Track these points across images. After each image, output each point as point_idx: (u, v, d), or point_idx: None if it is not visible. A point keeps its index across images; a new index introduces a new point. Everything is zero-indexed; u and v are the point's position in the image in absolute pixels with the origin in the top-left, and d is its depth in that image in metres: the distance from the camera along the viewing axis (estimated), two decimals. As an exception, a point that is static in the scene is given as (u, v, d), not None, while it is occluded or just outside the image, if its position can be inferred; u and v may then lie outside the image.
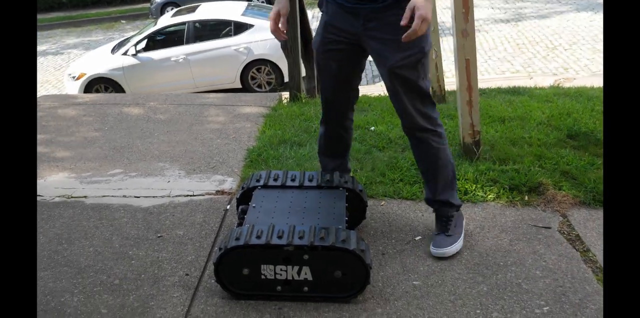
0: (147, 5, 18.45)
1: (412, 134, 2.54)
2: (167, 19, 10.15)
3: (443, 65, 4.64)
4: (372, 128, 4.02)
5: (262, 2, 16.79)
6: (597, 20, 11.71)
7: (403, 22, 2.27)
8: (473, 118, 3.34)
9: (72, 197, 3.21)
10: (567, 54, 9.83)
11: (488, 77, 9.00)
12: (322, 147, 2.87)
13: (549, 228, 2.79)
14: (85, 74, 9.55)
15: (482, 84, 6.85)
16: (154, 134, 4.22)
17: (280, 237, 2.18)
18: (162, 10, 17.01)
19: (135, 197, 3.19)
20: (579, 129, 3.86)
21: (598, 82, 6.55)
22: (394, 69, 2.37)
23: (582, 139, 3.72)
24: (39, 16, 19.62)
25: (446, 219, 2.64)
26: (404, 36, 2.18)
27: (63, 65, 13.24)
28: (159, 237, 2.75)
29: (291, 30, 4.78)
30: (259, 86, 9.42)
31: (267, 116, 4.48)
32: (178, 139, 4.08)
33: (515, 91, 4.94)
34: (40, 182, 3.41)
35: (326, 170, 2.89)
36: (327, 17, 2.50)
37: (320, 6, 2.57)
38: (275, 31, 2.52)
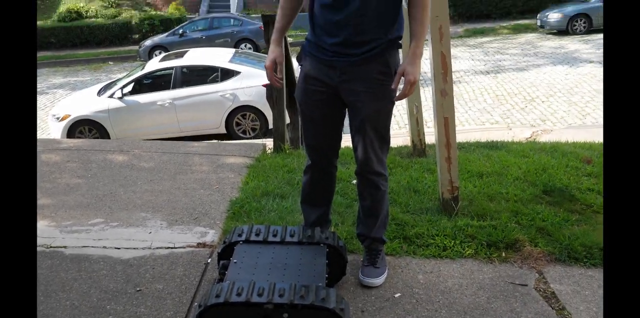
0: (136, 47, 18.68)
1: (366, 176, 2.73)
2: (155, 64, 10.28)
3: (425, 115, 4.74)
4: (354, 181, 4.07)
5: (250, 48, 17.09)
6: (572, 74, 12.06)
7: (393, 86, 2.51)
8: (452, 174, 3.41)
9: (51, 247, 3.21)
10: (545, 106, 10.06)
11: (468, 127, 9.17)
12: (305, 195, 2.95)
13: (526, 285, 2.84)
14: (69, 115, 9.56)
15: (462, 136, 6.98)
16: (137, 182, 4.24)
17: (260, 295, 2.20)
18: (150, 53, 17.25)
19: (116, 248, 3.20)
20: (554, 185, 3.96)
21: (573, 134, 6.71)
22: (367, 119, 2.56)
23: (557, 195, 3.81)
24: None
25: (375, 253, 2.86)
26: (397, 96, 2.49)
27: (48, 105, 13.27)
28: (138, 291, 2.75)
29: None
30: (244, 132, 9.50)
31: (251, 167, 4.54)
32: (161, 188, 4.11)
33: (493, 145, 5.06)
34: (20, 231, 3.41)
35: (308, 220, 2.95)
36: (306, 69, 2.65)
37: (299, 60, 2.72)
38: (272, 79, 2.68)
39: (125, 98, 9.53)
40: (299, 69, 2.78)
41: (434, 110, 3.35)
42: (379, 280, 2.80)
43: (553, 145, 5.13)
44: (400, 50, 2.63)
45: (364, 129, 2.60)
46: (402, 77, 2.51)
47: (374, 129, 2.60)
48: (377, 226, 2.83)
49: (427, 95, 9.50)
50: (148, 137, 9.40)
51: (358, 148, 2.67)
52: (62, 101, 10.91)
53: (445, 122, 3.29)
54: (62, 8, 21.72)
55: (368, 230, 2.84)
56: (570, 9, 17.27)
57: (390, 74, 2.54)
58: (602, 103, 9.84)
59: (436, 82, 3.25)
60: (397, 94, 2.55)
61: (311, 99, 2.66)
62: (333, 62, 2.54)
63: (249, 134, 9.49)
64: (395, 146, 5.08)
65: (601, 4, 16.94)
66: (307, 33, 2.70)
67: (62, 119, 9.51)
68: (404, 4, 2.58)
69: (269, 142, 5.50)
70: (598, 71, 12.07)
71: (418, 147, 4.62)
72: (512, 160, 4.50)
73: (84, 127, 9.56)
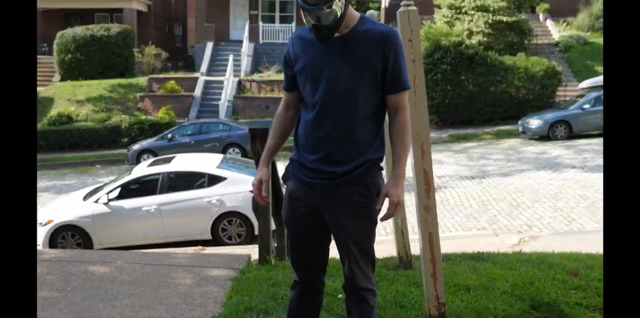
0: (124, 151, 18.91)
1: (354, 292, 2.71)
2: (143, 169, 10.37)
3: (410, 220, 4.76)
4: (340, 296, 4.01)
5: (238, 153, 17.38)
6: (555, 179, 12.27)
7: (377, 207, 2.59)
8: (438, 290, 3.38)
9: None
10: (530, 211, 10.15)
11: (455, 234, 9.18)
12: (291, 311, 2.90)
13: None
14: (52, 220, 9.49)
15: (449, 242, 6.98)
16: (117, 296, 4.15)
17: None
18: (138, 157, 17.44)
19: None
20: (542, 299, 3.91)
21: (561, 241, 6.74)
22: (350, 238, 2.61)
23: (545, 310, 3.75)
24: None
25: None
26: (381, 217, 2.57)
27: (32, 210, 13.18)
28: None
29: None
30: (230, 238, 9.44)
31: (235, 280, 4.47)
32: (142, 302, 4.02)
33: (479, 257, 5.05)
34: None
35: None
36: (290, 189, 2.74)
37: (284, 180, 2.81)
38: (258, 196, 2.74)
39: (111, 203, 9.52)
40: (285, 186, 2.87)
41: (419, 226, 3.38)
42: None
43: (539, 256, 5.13)
44: (383, 172, 2.71)
45: (348, 247, 2.64)
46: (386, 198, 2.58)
47: (358, 247, 2.64)
48: None
49: (412, 200, 9.59)
50: (132, 243, 9.30)
51: (344, 264, 2.70)
52: (46, 206, 10.87)
53: (430, 237, 3.31)
54: (53, 112, 22.17)
55: None
56: (550, 115, 17.90)
57: (370, 195, 2.61)
58: (586, 208, 9.95)
59: (419, 198, 3.30)
60: (382, 215, 2.60)
61: (296, 217, 2.72)
62: (314, 183, 2.62)
63: (235, 240, 9.42)
64: (381, 257, 5.05)
65: (580, 111, 17.58)
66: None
67: (45, 224, 9.42)
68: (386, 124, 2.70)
69: (255, 250, 5.44)
70: (581, 176, 12.30)
71: (404, 259, 4.61)
72: (499, 272, 4.47)
73: (66, 233, 9.45)
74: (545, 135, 17.58)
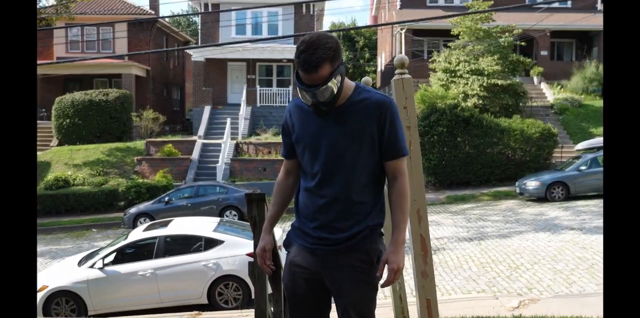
0: (121, 214, 18.85)
1: None
2: (139, 233, 10.33)
3: (409, 282, 4.71)
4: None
5: (235, 216, 17.32)
6: (554, 240, 12.22)
7: (377, 274, 2.60)
8: (437, 358, 3.32)
9: None
10: (530, 273, 10.05)
11: (455, 296, 9.06)
12: None
13: None
14: (47, 286, 9.38)
15: (448, 306, 6.88)
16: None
17: None
18: (135, 220, 17.38)
19: None
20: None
21: (561, 304, 6.64)
22: (351, 305, 2.60)
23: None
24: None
25: None
26: (381, 284, 2.58)
27: (26, 275, 13.02)
28: None
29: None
30: (226, 302, 9.29)
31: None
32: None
33: (479, 322, 4.98)
34: None
35: None
36: (292, 256, 2.74)
37: (286, 246, 2.81)
38: (263, 265, 2.79)
39: (106, 268, 9.43)
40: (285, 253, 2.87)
41: (416, 292, 3.36)
42: None
43: (540, 321, 5.07)
44: (383, 237, 2.74)
45: (349, 315, 2.63)
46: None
47: (359, 315, 2.63)
48: None
49: (411, 263, 9.50)
50: (127, 308, 9.16)
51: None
52: (41, 271, 10.76)
53: (428, 304, 3.28)
54: (50, 176, 22.24)
55: None
56: (547, 177, 17.99)
57: (371, 261, 2.63)
58: (586, 270, 9.87)
59: (416, 264, 3.29)
60: (382, 282, 2.62)
61: (297, 284, 2.72)
62: (315, 250, 2.64)
63: (232, 304, 9.27)
64: (380, 322, 4.97)
65: (577, 172, 17.68)
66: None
67: (40, 290, 9.30)
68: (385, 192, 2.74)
69: (251, 314, 5.35)
70: (579, 238, 12.26)
71: (403, 325, 4.54)
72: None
73: (60, 299, 9.32)
74: (543, 197, 17.63)
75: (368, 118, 2.60)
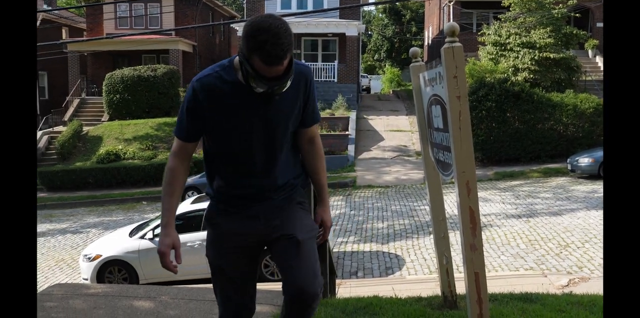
0: (170, 188, 19.18)
1: (303, 301, 2.49)
2: (187, 206, 10.51)
3: (456, 259, 4.67)
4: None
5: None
6: (607, 218, 11.93)
7: (320, 239, 2.74)
8: (485, 331, 3.29)
9: None
10: (580, 252, 9.86)
11: (502, 273, 8.97)
12: None
13: None
14: (100, 255, 9.69)
15: (495, 282, 6.81)
16: (161, 332, 4.16)
17: None
18: (183, 194, 17.67)
19: None
20: (595, 343, 3.76)
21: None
22: (303, 241, 2.54)
23: (599, 355, 3.61)
24: (65, 194, 20.43)
25: None
26: (317, 241, 2.67)
27: (80, 244, 13.46)
28: None
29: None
30: (272, 274, 9.42)
31: (276, 316, 4.43)
32: (185, 338, 4.01)
33: (527, 298, 4.90)
34: None
35: None
36: (225, 228, 2.60)
37: (210, 223, 2.67)
38: (169, 265, 2.55)
39: (156, 239, 9.64)
40: (207, 231, 2.73)
41: (464, 265, 3.32)
42: None
43: (591, 298, 4.95)
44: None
45: (301, 250, 2.52)
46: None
47: (312, 251, 2.57)
48: None
49: (457, 238, 9.43)
50: (177, 278, 9.37)
51: (292, 272, 2.49)
52: (95, 241, 11.12)
53: (476, 277, 3.24)
54: (102, 150, 22.79)
55: None
56: (601, 154, 17.46)
57: (306, 203, 2.74)
58: None
59: (465, 237, 3.24)
60: (318, 239, 2.71)
61: (231, 257, 2.61)
62: (256, 212, 2.58)
63: (277, 276, 9.38)
64: (425, 296, 4.96)
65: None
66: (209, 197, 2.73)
67: (94, 259, 9.62)
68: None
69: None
70: (631, 216, 11.94)
71: (449, 299, 4.50)
72: (549, 314, 4.32)
73: (113, 268, 9.62)
74: (596, 174, 17.15)
75: (297, 91, 2.51)
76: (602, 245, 10.06)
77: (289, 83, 2.37)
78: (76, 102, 28.90)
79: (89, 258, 9.71)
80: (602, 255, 9.50)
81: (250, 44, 2.24)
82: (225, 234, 2.60)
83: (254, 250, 2.65)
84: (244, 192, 2.58)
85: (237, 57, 2.43)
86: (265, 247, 2.69)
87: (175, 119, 2.58)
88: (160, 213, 10.97)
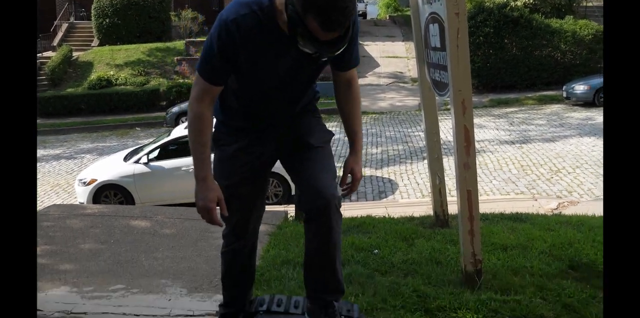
0: (163, 114, 19.12)
1: (329, 202, 2.34)
2: (181, 130, 10.50)
3: (448, 184, 4.73)
4: (376, 251, 4.05)
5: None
6: (599, 145, 12.01)
7: (342, 186, 2.52)
8: (475, 247, 3.37)
9: (71, 313, 3.20)
10: (571, 177, 10.00)
11: (493, 197, 9.12)
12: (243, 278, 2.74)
13: (552, 365, 2.74)
14: (96, 179, 9.75)
15: (486, 205, 6.93)
16: (158, 248, 4.26)
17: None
18: (177, 119, 17.62)
19: (135, 315, 3.18)
20: (580, 259, 3.87)
21: (601, 207, 6.61)
22: (320, 149, 2.46)
23: (584, 271, 3.72)
24: (57, 121, 20.34)
25: (332, 310, 2.49)
26: (344, 193, 2.48)
27: (75, 169, 13.53)
28: (155, 360, 2.72)
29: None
30: (267, 198, 9.53)
31: (272, 234, 4.54)
32: (182, 254, 4.12)
33: (517, 218, 5.01)
34: (41, 296, 3.40)
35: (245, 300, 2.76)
36: (239, 146, 2.46)
37: (218, 141, 2.49)
38: (216, 220, 2.33)
39: (151, 163, 9.71)
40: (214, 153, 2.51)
41: (457, 183, 3.36)
42: None
43: (579, 218, 5.07)
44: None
45: (316, 158, 2.44)
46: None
47: (328, 160, 2.48)
48: (341, 275, 2.57)
49: (450, 165, 9.53)
50: (172, 201, 9.48)
51: (310, 180, 2.38)
52: (90, 166, 11.17)
53: (469, 195, 3.29)
54: (93, 76, 22.49)
55: (337, 282, 2.54)
56: (597, 81, 17.33)
57: (318, 111, 2.60)
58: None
59: (459, 155, 3.27)
60: (345, 192, 2.54)
61: (241, 176, 2.47)
62: (268, 129, 2.49)
63: (272, 200, 9.51)
64: (418, 216, 5.07)
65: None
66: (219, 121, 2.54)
67: (89, 184, 9.69)
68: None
69: (291, 209, 5.51)
70: (623, 143, 12.03)
71: (441, 218, 4.60)
72: (537, 233, 4.43)
73: (109, 192, 9.71)
74: (591, 101, 17.09)
75: None
76: (592, 170, 10.20)
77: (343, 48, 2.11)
78: (64, 26, 28.22)
79: (84, 182, 9.78)
80: (591, 181, 9.65)
81: (307, 3, 1.93)
82: (234, 154, 2.46)
83: (264, 166, 2.53)
84: (260, 122, 2.46)
85: None
86: (279, 161, 2.57)
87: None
88: (154, 139, 10.89)
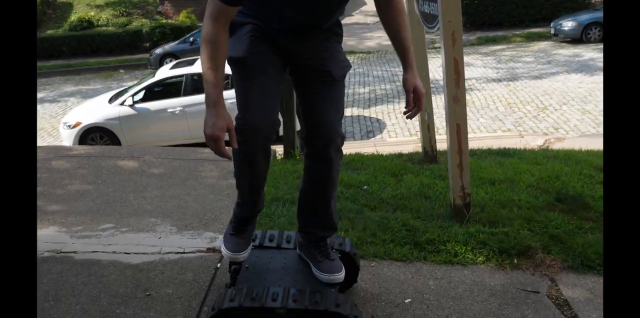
0: (147, 55, 18.77)
1: (333, 138, 2.29)
2: (166, 71, 10.33)
3: (436, 122, 4.73)
4: (365, 187, 4.06)
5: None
6: (586, 82, 11.98)
7: (407, 107, 2.35)
8: (463, 181, 3.39)
9: (61, 252, 3.21)
10: (557, 114, 10.00)
11: (480, 135, 9.13)
12: (256, 179, 2.52)
13: (538, 292, 2.80)
14: (81, 122, 9.63)
15: (473, 143, 6.95)
16: (147, 188, 4.24)
17: (274, 300, 2.18)
18: (161, 61, 17.33)
19: (125, 253, 3.19)
20: (567, 192, 3.92)
21: (587, 143, 6.66)
22: (333, 73, 2.32)
23: (571, 203, 3.76)
24: (38, 63, 19.91)
25: (324, 244, 2.50)
26: (411, 114, 2.34)
27: (59, 113, 13.36)
28: (147, 295, 2.74)
29: (288, 88, 4.88)
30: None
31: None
32: (171, 193, 4.11)
33: (505, 153, 5.03)
34: (31, 236, 3.41)
35: (256, 207, 2.61)
36: (253, 31, 2.26)
37: (237, 23, 2.25)
38: (223, 152, 2.11)
39: (136, 105, 9.58)
40: (237, 32, 2.27)
41: (446, 117, 3.33)
42: (343, 274, 2.44)
43: (566, 152, 5.10)
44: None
45: (334, 92, 2.33)
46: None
47: (342, 93, 2.37)
48: (334, 211, 2.53)
49: (438, 103, 9.50)
50: (159, 143, 9.43)
51: (322, 112, 2.29)
52: (74, 109, 11.02)
53: (458, 128, 3.27)
54: (74, 17, 21.90)
55: (328, 220, 2.52)
56: (585, 17, 17.13)
57: (342, 34, 2.41)
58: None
59: (448, 88, 3.23)
60: (411, 112, 2.37)
61: (257, 54, 2.25)
62: (290, 36, 2.28)
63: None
64: (406, 152, 5.07)
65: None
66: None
67: (74, 127, 9.58)
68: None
69: (279, 148, 5.49)
70: (611, 79, 11.99)
71: (429, 154, 4.60)
72: (525, 167, 4.46)
73: (95, 135, 9.61)
74: (579, 38, 16.95)
75: None
76: (578, 107, 10.21)
77: None
78: (40, -35, 27.27)
79: (69, 126, 9.67)
80: (578, 117, 9.67)
81: None
82: (252, 33, 2.23)
83: (279, 60, 2.32)
84: (284, 24, 2.24)
85: None
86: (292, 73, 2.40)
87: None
88: (138, 81, 10.73)
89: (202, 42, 2.11)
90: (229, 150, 2.16)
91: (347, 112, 11.29)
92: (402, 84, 2.40)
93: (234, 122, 2.15)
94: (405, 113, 2.38)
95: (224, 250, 2.44)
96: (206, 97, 2.10)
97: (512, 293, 2.79)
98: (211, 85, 2.08)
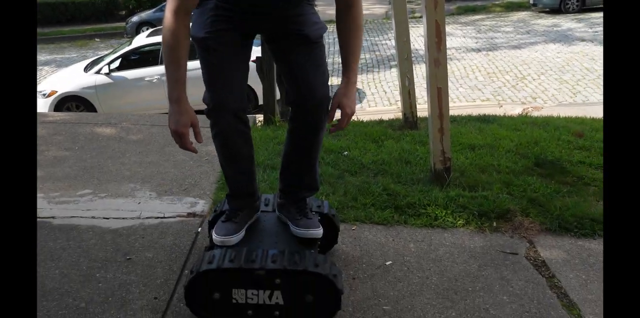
0: (123, 24, 18.43)
1: (318, 103, 2.25)
2: (143, 39, 10.15)
3: (416, 92, 4.72)
4: (346, 153, 4.05)
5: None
6: (564, 52, 12.04)
7: (328, 121, 2.30)
8: (444, 145, 3.39)
9: (39, 218, 3.17)
10: (535, 84, 10.05)
11: (459, 104, 9.16)
12: (239, 150, 2.43)
13: (516, 254, 2.83)
14: (56, 91, 9.46)
15: (453, 112, 6.96)
16: (125, 154, 4.19)
17: (253, 261, 2.18)
18: (137, 29, 17.03)
19: (105, 218, 3.16)
20: (545, 157, 3.95)
21: (564, 112, 6.71)
22: (312, 42, 2.24)
23: (549, 167, 3.80)
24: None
25: (303, 203, 2.48)
26: (331, 130, 2.29)
27: (34, 82, 13.11)
28: (127, 259, 2.73)
29: (267, 54, 4.83)
30: (233, 108, 9.43)
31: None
32: (150, 160, 4.07)
33: (485, 119, 5.05)
34: (7, 201, 3.36)
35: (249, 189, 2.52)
36: (219, 14, 2.17)
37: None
38: (189, 146, 2.15)
39: (113, 74, 9.43)
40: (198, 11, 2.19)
41: (427, 81, 3.32)
42: (321, 230, 2.38)
43: (545, 119, 5.13)
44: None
45: (313, 54, 2.25)
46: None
47: (322, 54, 2.29)
48: (316, 173, 2.51)
49: (417, 72, 9.48)
50: (136, 112, 9.31)
51: (306, 74, 2.23)
52: (48, 78, 10.80)
53: (439, 92, 3.26)
54: (48, -16, 21.38)
55: (312, 180, 2.51)
56: (563, -13, 17.17)
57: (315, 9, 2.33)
58: (592, 81, 9.85)
59: (430, 52, 3.21)
60: (333, 127, 2.31)
61: (222, 30, 2.16)
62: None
63: (239, 110, 9.42)
64: (387, 119, 5.06)
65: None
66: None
67: (49, 95, 9.41)
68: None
69: (260, 116, 5.45)
70: (590, 50, 12.05)
71: (410, 119, 4.60)
72: (504, 133, 4.48)
73: (71, 104, 9.46)
74: (557, 8, 16.99)
75: None
76: (556, 77, 10.27)
77: None
78: None
79: (44, 94, 9.49)
80: (555, 87, 9.74)
81: None
82: (215, 13, 2.15)
83: (249, 36, 2.26)
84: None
85: None
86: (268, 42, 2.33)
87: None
88: (114, 49, 10.54)
89: (162, 37, 2.04)
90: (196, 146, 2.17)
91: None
92: (332, 97, 2.29)
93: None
94: (331, 127, 2.31)
95: (214, 235, 2.38)
96: (169, 93, 2.07)
97: (492, 255, 2.82)
98: (174, 81, 2.05)
